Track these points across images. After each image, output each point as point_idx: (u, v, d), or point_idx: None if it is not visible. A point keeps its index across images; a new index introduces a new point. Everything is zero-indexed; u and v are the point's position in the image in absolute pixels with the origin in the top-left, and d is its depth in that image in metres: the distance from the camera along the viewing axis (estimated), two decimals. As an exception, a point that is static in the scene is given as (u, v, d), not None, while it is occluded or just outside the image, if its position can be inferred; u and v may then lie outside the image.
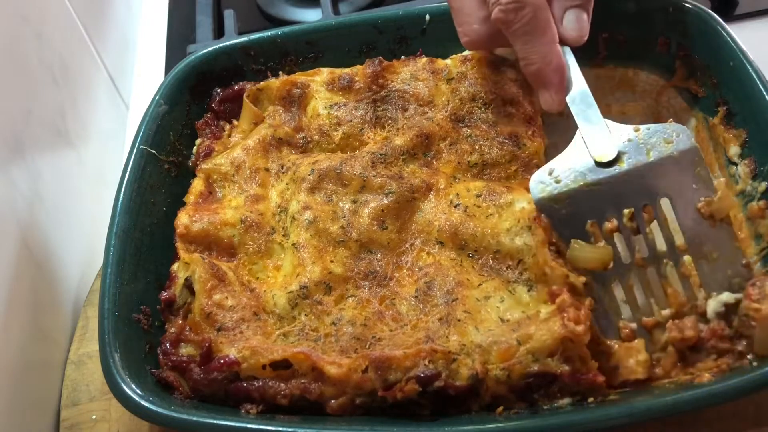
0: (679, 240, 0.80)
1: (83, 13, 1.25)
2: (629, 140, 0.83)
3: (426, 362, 0.73)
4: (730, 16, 1.23)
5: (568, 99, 0.87)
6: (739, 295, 0.77)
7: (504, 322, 0.78)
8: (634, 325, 0.79)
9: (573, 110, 0.86)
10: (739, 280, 0.78)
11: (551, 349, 0.73)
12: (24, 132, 0.96)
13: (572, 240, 0.80)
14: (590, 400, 0.73)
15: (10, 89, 0.95)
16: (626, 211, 0.81)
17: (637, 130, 0.83)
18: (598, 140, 0.83)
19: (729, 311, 0.77)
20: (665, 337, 0.78)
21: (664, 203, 0.81)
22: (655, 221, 0.80)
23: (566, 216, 0.82)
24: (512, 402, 0.75)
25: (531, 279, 0.82)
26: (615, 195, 0.81)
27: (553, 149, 1.05)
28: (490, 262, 0.85)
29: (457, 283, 0.82)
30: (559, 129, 1.07)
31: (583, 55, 1.07)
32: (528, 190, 0.92)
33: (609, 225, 0.81)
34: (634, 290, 0.80)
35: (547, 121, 1.08)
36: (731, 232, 0.79)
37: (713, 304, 0.77)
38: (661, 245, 0.80)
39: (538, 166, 0.93)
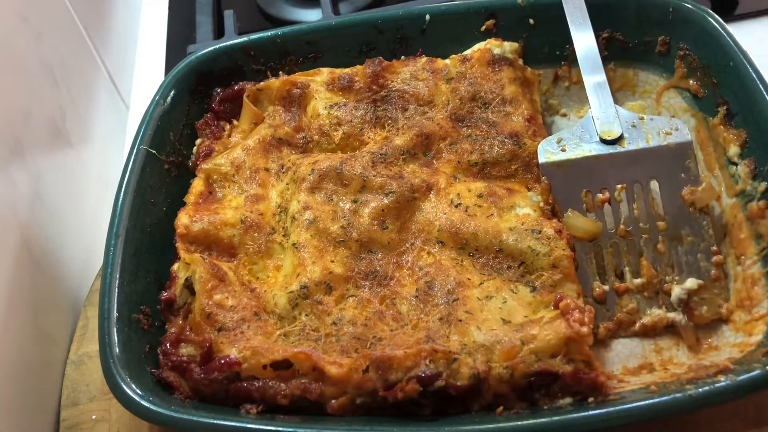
0: (660, 219, 0.89)
1: (83, 13, 1.25)
2: (633, 125, 0.92)
3: (427, 362, 0.73)
4: (730, 16, 1.23)
5: (586, 83, 0.96)
6: (701, 282, 0.85)
7: (506, 323, 0.78)
8: (606, 287, 0.87)
9: (588, 91, 0.96)
10: (707, 265, 0.87)
11: (555, 350, 0.73)
12: (24, 132, 0.96)
13: (569, 209, 0.89)
14: (590, 400, 0.73)
15: (10, 89, 0.95)
16: (618, 186, 0.91)
17: (641, 119, 0.93)
18: (606, 120, 0.93)
19: (690, 296, 0.85)
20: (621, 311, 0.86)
21: (654, 185, 0.90)
22: (643, 201, 0.90)
23: (565, 182, 0.91)
24: (513, 402, 0.75)
25: (534, 281, 0.82)
26: (612, 170, 0.90)
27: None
28: (491, 261, 0.85)
29: (458, 283, 0.82)
30: (559, 128, 1.07)
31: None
32: (528, 189, 0.92)
33: (601, 196, 0.90)
34: (612, 258, 0.89)
35: (547, 120, 1.08)
36: (708, 222, 0.88)
37: (678, 291, 0.85)
38: (644, 221, 0.89)
39: (539, 166, 0.93)
